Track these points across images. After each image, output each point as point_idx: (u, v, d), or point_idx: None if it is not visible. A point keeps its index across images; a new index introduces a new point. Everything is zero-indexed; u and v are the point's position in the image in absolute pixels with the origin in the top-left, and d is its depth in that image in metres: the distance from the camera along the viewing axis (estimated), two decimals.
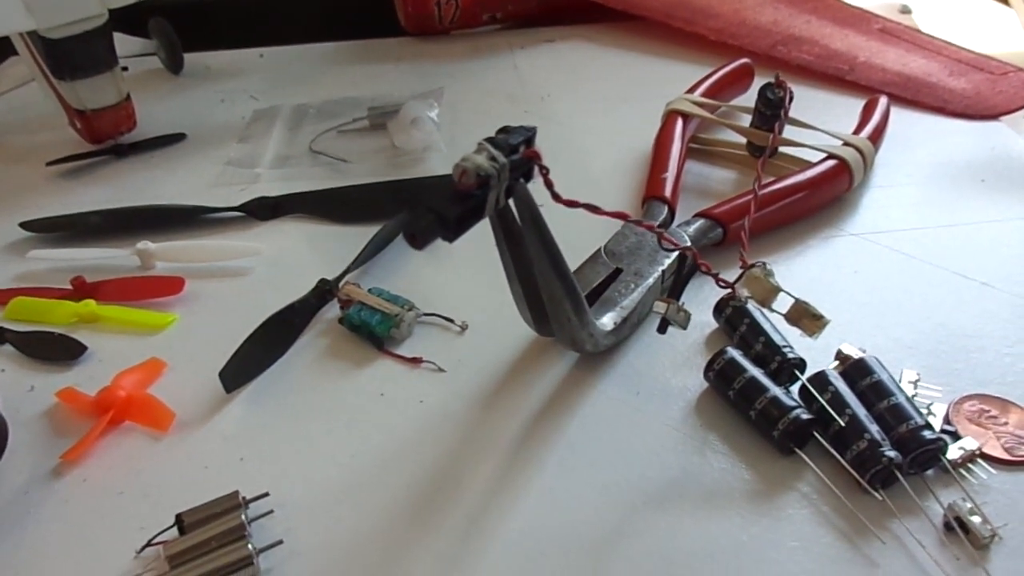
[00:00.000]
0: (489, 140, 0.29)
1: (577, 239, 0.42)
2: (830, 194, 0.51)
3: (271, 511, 0.35)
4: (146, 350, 0.44)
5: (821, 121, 0.54)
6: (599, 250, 0.45)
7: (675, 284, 0.36)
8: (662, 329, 0.36)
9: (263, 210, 0.53)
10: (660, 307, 0.35)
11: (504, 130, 0.30)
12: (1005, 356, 0.41)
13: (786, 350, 0.39)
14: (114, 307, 0.47)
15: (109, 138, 0.60)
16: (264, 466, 0.38)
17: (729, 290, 0.36)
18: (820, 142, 0.52)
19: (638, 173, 0.55)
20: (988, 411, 0.38)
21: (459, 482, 0.36)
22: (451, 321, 0.44)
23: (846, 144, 0.51)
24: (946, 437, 0.35)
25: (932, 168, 0.55)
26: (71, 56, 0.55)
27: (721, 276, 0.36)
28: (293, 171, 0.58)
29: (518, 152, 0.29)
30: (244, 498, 0.36)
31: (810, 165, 0.51)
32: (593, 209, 0.32)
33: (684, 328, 0.36)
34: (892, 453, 0.34)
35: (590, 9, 0.74)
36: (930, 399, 0.38)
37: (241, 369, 0.41)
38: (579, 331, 0.38)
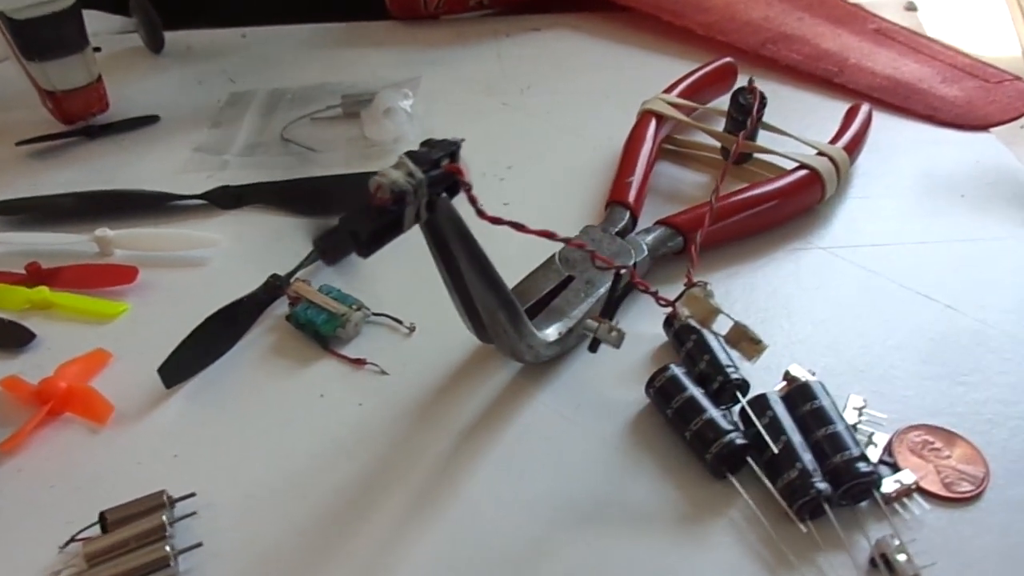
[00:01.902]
0: (409, 154, 0.28)
1: (533, 244, 0.41)
2: (800, 205, 0.49)
3: (194, 512, 0.35)
4: (95, 339, 0.44)
5: (803, 125, 0.53)
6: (553, 256, 0.44)
7: (608, 302, 0.35)
8: (593, 348, 0.35)
9: (226, 199, 0.53)
10: (591, 326, 0.35)
11: (427, 143, 0.29)
12: (959, 385, 0.39)
13: (730, 370, 0.38)
14: (67, 294, 0.47)
15: (80, 119, 0.60)
16: (196, 465, 0.38)
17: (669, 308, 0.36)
18: (794, 150, 0.51)
19: (608, 174, 0.54)
20: (932, 443, 0.37)
21: (386, 489, 0.36)
22: (399, 322, 0.44)
23: (820, 154, 0.50)
24: (883, 469, 0.35)
25: (913, 180, 0.54)
26: (39, 37, 0.55)
27: (661, 295, 0.35)
28: (262, 159, 0.57)
29: (439, 167, 0.29)
30: (170, 497, 0.35)
31: (782, 174, 0.50)
32: (518, 227, 0.31)
33: (617, 347, 0.35)
34: (822, 485, 0.33)
35: None
36: (874, 427, 0.37)
37: (182, 365, 0.41)
38: (517, 342, 0.37)
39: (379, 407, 0.40)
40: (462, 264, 0.32)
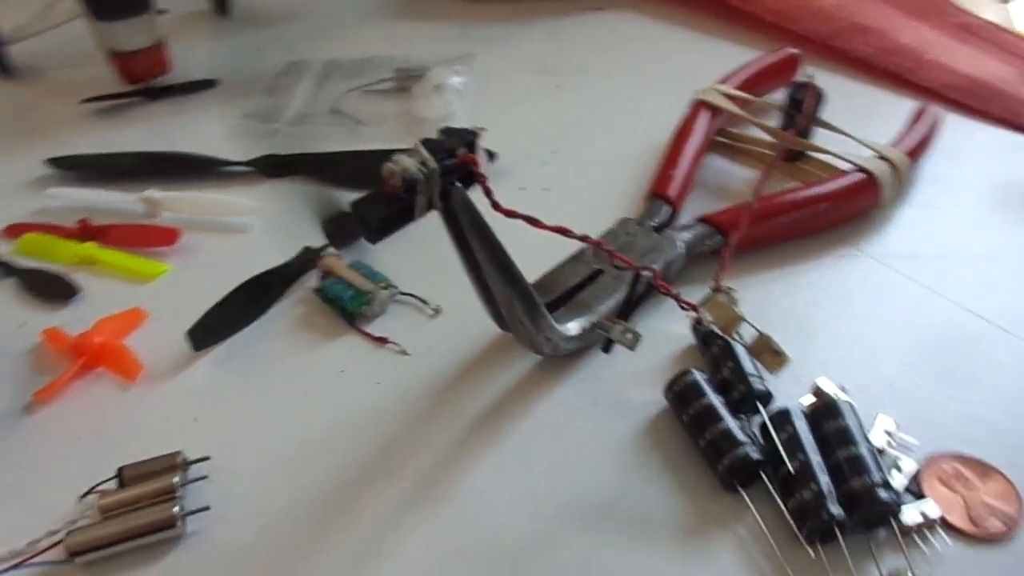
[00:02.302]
0: (425, 142, 0.28)
1: (586, 218, 0.41)
2: (853, 209, 0.47)
3: (206, 476, 0.36)
4: (134, 298, 0.45)
5: (868, 125, 0.50)
6: (584, 248, 0.43)
7: (625, 304, 0.34)
8: (606, 349, 0.34)
9: (271, 167, 0.53)
10: (606, 326, 0.34)
11: (446, 131, 0.29)
12: (1004, 415, 0.37)
13: (753, 379, 0.36)
14: (113, 252, 0.48)
15: (142, 80, 0.61)
16: (215, 429, 0.39)
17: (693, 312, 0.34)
18: (853, 150, 0.48)
19: (655, 164, 0.52)
20: (965, 474, 0.35)
21: (396, 470, 0.36)
22: (425, 303, 0.44)
23: (880, 157, 0.47)
24: (906, 498, 0.33)
25: (981, 189, 0.51)
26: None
27: (684, 298, 0.34)
28: (311, 129, 0.57)
29: (454, 156, 0.28)
30: (185, 459, 0.36)
31: (836, 175, 0.47)
32: (533, 222, 0.30)
33: (631, 349, 0.34)
34: (835, 510, 0.32)
35: None
36: (904, 452, 0.35)
37: (211, 329, 0.42)
38: (534, 335, 0.36)
39: (397, 387, 0.40)
40: (478, 254, 0.32)
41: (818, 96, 0.47)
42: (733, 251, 0.38)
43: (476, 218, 0.31)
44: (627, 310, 0.33)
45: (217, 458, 0.37)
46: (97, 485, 0.36)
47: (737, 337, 0.34)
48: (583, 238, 0.32)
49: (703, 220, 0.45)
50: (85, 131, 0.59)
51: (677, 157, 0.48)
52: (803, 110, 0.47)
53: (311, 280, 0.45)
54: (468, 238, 0.31)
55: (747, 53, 0.59)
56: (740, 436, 0.34)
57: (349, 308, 0.43)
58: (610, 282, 0.41)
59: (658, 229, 0.44)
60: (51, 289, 0.46)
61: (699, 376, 0.37)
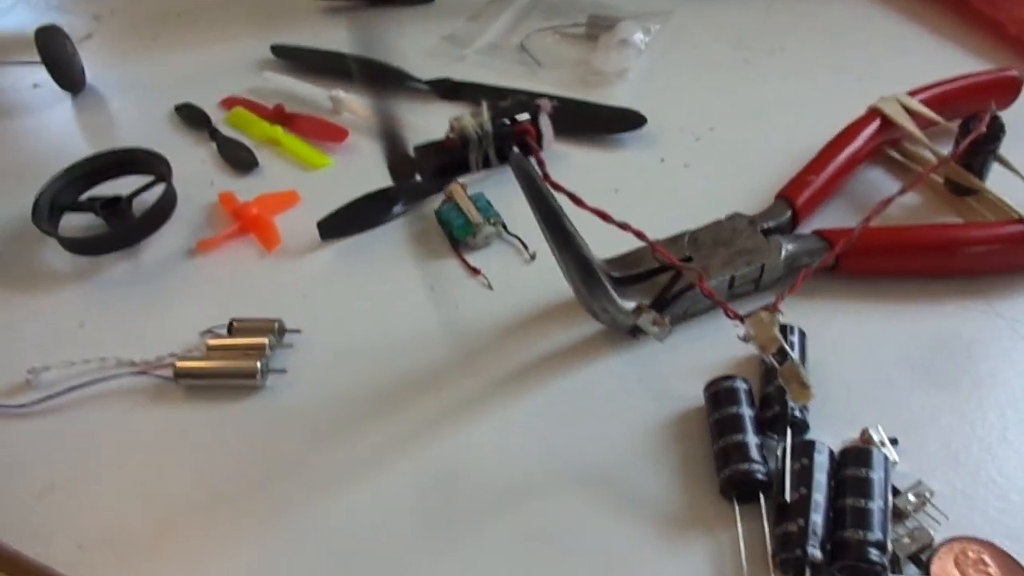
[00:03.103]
0: (492, 104, 0.30)
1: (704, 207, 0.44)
2: (997, 264, 0.42)
3: (291, 344, 0.42)
4: (294, 180, 0.53)
5: None
6: (685, 232, 0.43)
7: (661, 294, 0.34)
8: (633, 333, 0.35)
9: (444, 90, 0.58)
10: (637, 311, 0.34)
11: (515, 98, 0.31)
12: None
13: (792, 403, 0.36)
14: (293, 138, 0.55)
15: None
16: (316, 308, 0.45)
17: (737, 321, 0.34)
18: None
19: (805, 162, 0.50)
20: (987, 564, 0.32)
21: (441, 388, 0.40)
22: (525, 247, 0.46)
23: None
24: (909, 567, 0.32)
25: None
26: None
27: (731, 308, 0.34)
28: (493, 61, 0.61)
29: (514, 122, 0.30)
30: (282, 326, 0.43)
31: (998, 222, 0.43)
32: (576, 200, 0.32)
33: (661, 341, 0.35)
34: (812, 550, 0.31)
35: None
36: (930, 524, 0.33)
37: (339, 224, 0.48)
38: (590, 302, 0.38)
39: (472, 315, 0.44)
40: (535, 216, 0.34)
41: (996, 131, 0.42)
42: (807, 275, 0.37)
43: (532, 183, 0.33)
44: (662, 303, 0.34)
45: (308, 332, 0.43)
46: (212, 328, 0.43)
47: (772, 359, 0.33)
48: (622, 225, 0.33)
49: (818, 233, 0.43)
50: (311, 24, 0.67)
51: (824, 164, 0.46)
52: (974, 141, 0.42)
53: (436, 201, 0.50)
54: (527, 200, 0.33)
55: (971, 63, 0.53)
56: (752, 452, 0.34)
57: (456, 234, 0.46)
58: (695, 271, 0.41)
59: (770, 232, 0.43)
60: (238, 158, 0.54)
61: (740, 384, 0.37)
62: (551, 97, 0.31)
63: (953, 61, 0.57)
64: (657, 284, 0.41)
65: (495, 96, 0.55)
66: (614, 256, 0.42)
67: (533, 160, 0.31)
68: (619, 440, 0.38)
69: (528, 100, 0.30)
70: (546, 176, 0.31)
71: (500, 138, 0.30)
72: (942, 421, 0.37)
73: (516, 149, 0.31)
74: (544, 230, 0.34)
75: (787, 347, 0.33)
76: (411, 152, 0.30)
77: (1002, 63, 0.54)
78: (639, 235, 0.34)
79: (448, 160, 0.30)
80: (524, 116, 0.30)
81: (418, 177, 0.31)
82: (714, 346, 0.41)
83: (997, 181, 0.45)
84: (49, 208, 0.49)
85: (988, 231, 0.42)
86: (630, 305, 0.39)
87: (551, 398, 0.40)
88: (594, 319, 0.41)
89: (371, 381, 0.41)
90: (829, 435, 0.36)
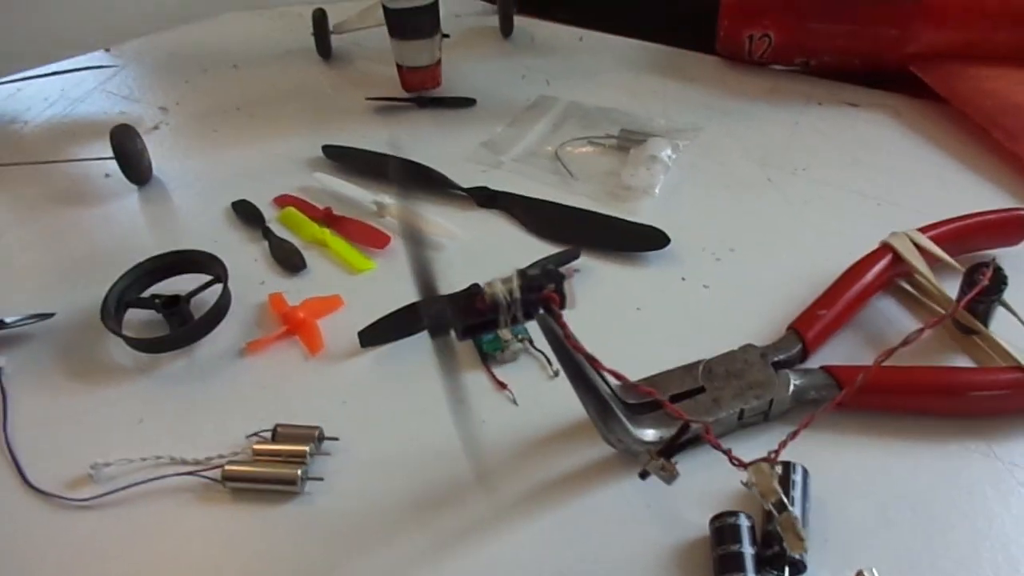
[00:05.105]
0: (521, 273, 0.34)
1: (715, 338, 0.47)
2: (997, 408, 0.45)
3: (329, 453, 0.46)
4: (339, 284, 0.57)
5: None
6: (700, 362, 0.46)
7: (669, 444, 0.37)
8: (642, 476, 0.38)
9: (482, 198, 0.62)
10: (644, 457, 0.37)
11: (543, 267, 0.34)
12: None
13: None
14: (340, 240, 0.60)
15: (416, 91, 0.72)
16: (354, 415, 0.48)
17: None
18: None
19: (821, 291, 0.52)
20: None
21: (461, 500, 0.43)
22: (549, 363, 0.50)
23: None
24: None
25: None
26: (401, 22, 0.67)
27: (736, 454, 0.37)
28: (528, 169, 0.65)
29: (542, 291, 0.34)
30: (322, 434, 0.46)
31: (1001, 368, 0.45)
32: (591, 360, 0.35)
33: (668, 484, 0.37)
34: None
35: (919, 82, 0.67)
36: None
37: (379, 332, 0.52)
38: (606, 434, 0.41)
39: (496, 430, 0.47)
40: (560, 366, 0.37)
41: (998, 282, 0.45)
42: (807, 423, 0.39)
43: (556, 340, 0.36)
44: (669, 451, 0.37)
45: (345, 440, 0.47)
46: (258, 432, 0.47)
47: (771, 507, 0.36)
48: (635, 386, 0.36)
49: (826, 369, 0.45)
50: (360, 123, 0.72)
51: (835, 298, 0.49)
52: (976, 290, 0.45)
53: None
54: (552, 349, 0.37)
55: (995, 198, 0.56)
56: None
57: (485, 349, 0.50)
58: (706, 404, 0.44)
59: (780, 365, 0.46)
60: (288, 259, 0.59)
61: (743, 522, 0.39)
62: (574, 270, 0.35)
63: (974, 191, 0.60)
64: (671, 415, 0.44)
65: (528, 208, 0.60)
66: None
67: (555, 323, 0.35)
68: (626, 565, 0.40)
69: (554, 269, 0.34)
70: (568, 336, 0.34)
71: (528, 304, 0.33)
72: (938, 565, 0.39)
73: (542, 311, 0.34)
74: (567, 375, 0.38)
75: (785, 500, 0.35)
76: (443, 298, 0.34)
77: (1021, 194, 0.56)
78: (649, 393, 0.37)
79: (479, 321, 0.34)
80: (549, 286, 0.34)
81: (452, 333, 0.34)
82: (723, 474, 0.43)
83: (1002, 324, 0.48)
84: (116, 305, 0.54)
85: (991, 377, 0.44)
86: (645, 434, 0.42)
87: (564, 519, 0.42)
88: (607, 445, 0.44)
89: (399, 491, 0.44)
90: (827, 574, 0.38)
